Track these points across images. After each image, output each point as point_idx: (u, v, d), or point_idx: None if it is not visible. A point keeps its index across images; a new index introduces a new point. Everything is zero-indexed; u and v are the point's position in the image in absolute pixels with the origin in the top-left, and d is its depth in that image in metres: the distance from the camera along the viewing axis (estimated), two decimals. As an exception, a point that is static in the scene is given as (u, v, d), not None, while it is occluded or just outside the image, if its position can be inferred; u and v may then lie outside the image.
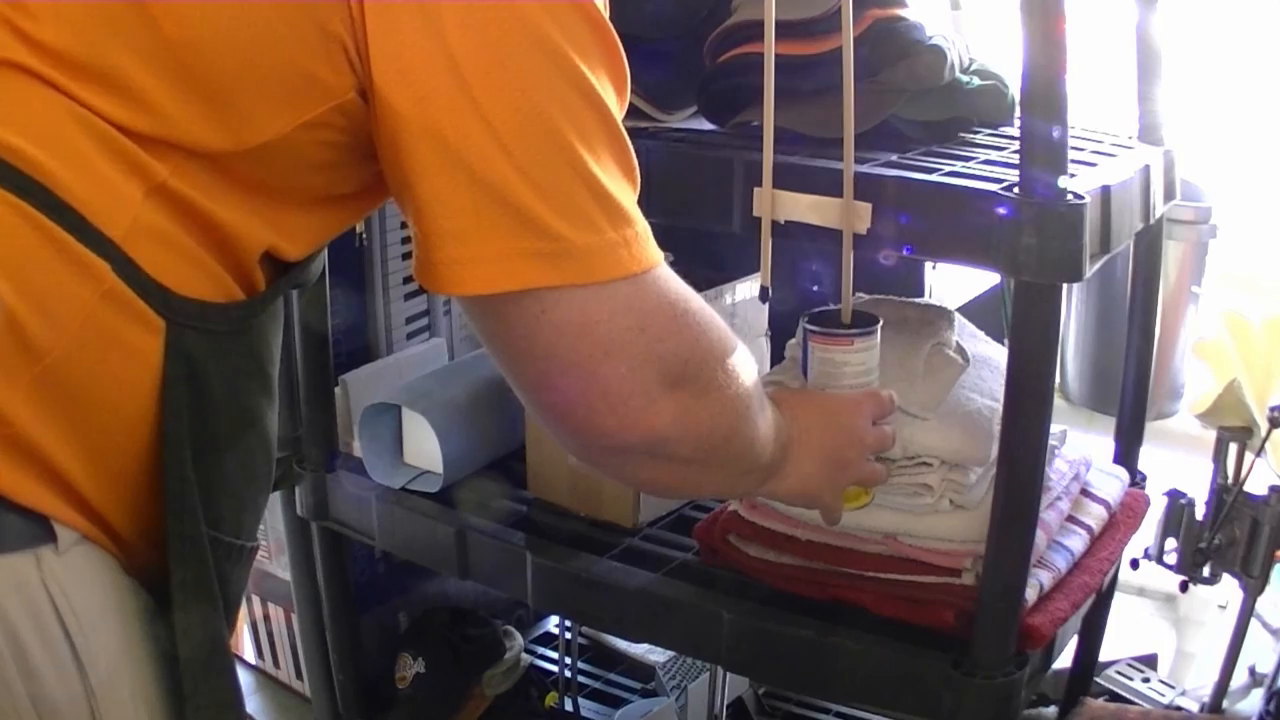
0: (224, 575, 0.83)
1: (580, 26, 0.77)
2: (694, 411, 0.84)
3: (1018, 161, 0.97)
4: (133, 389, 0.75)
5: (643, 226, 0.80)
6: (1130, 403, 1.43)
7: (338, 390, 1.51)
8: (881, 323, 1.09)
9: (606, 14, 0.80)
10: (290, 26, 0.74)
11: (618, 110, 0.80)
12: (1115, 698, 1.57)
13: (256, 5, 0.74)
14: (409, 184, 0.76)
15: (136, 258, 0.73)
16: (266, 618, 1.86)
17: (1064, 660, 1.40)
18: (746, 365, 0.91)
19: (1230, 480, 1.36)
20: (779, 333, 1.45)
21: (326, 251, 1.02)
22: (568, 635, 1.69)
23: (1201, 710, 1.51)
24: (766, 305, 1.39)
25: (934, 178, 1.03)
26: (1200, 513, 1.37)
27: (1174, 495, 1.39)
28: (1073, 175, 0.99)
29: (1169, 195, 1.28)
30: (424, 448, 1.43)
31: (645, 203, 1.16)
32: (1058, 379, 1.38)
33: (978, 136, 1.23)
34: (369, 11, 0.73)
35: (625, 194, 0.79)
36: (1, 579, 0.71)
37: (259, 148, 0.77)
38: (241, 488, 0.85)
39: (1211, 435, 1.39)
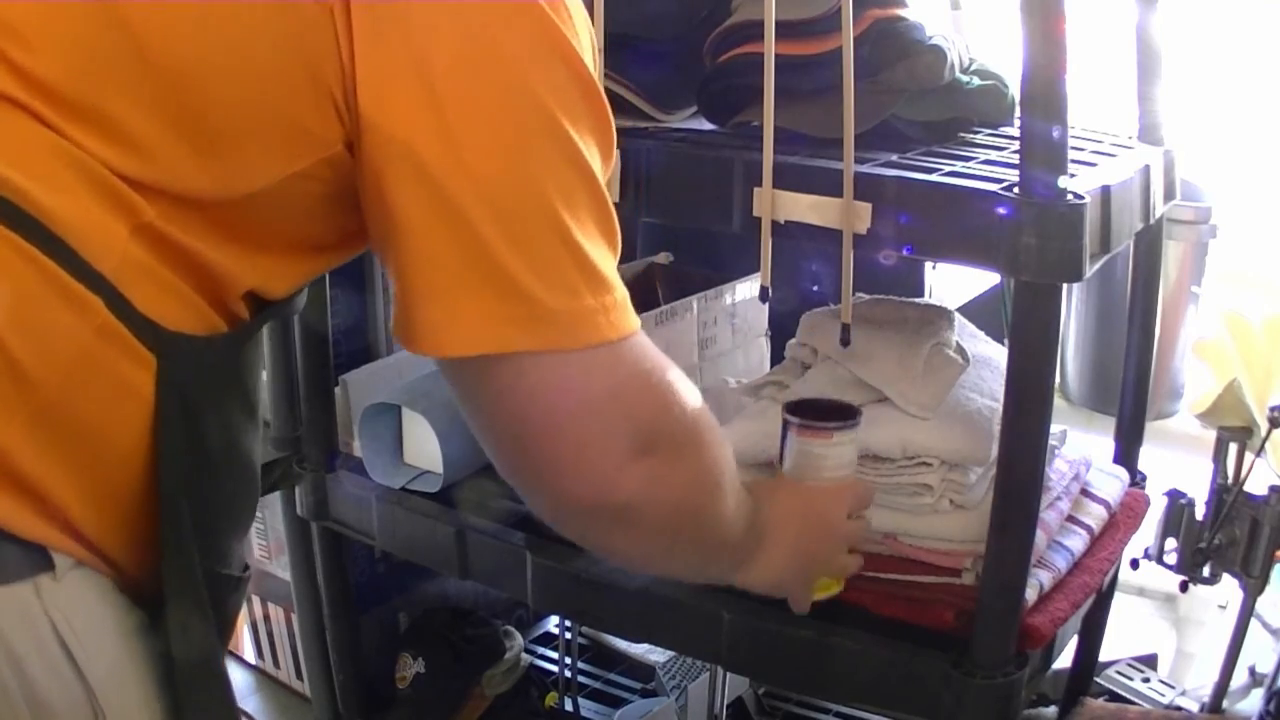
0: (220, 602, 0.83)
1: (571, 89, 0.77)
2: (664, 479, 0.85)
3: (1018, 161, 0.97)
4: (126, 423, 0.75)
5: (621, 294, 0.81)
6: (1130, 403, 1.43)
7: (338, 390, 1.51)
8: (863, 413, 1.09)
9: (598, 76, 0.81)
10: (282, 76, 0.74)
11: (602, 174, 0.80)
12: (1115, 698, 1.57)
13: (250, 55, 0.73)
14: (391, 239, 0.76)
15: (127, 293, 0.73)
16: (266, 618, 1.86)
17: (1064, 660, 1.40)
18: (720, 440, 0.91)
19: (1230, 480, 1.36)
20: (779, 333, 1.45)
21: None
22: (568, 635, 1.69)
23: (1201, 710, 1.51)
24: (766, 305, 1.39)
25: (934, 178, 1.03)
26: (1200, 513, 1.37)
27: (1174, 495, 1.39)
28: (1073, 175, 0.99)
29: (1169, 195, 1.28)
30: (424, 448, 1.43)
31: (645, 203, 1.17)
32: (1058, 379, 1.38)
33: (978, 136, 1.23)
34: (359, 63, 0.74)
35: (606, 260, 0.80)
36: (4, 610, 0.71)
37: (245, 197, 0.77)
38: (233, 518, 0.86)
39: (1211, 435, 1.39)
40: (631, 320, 0.81)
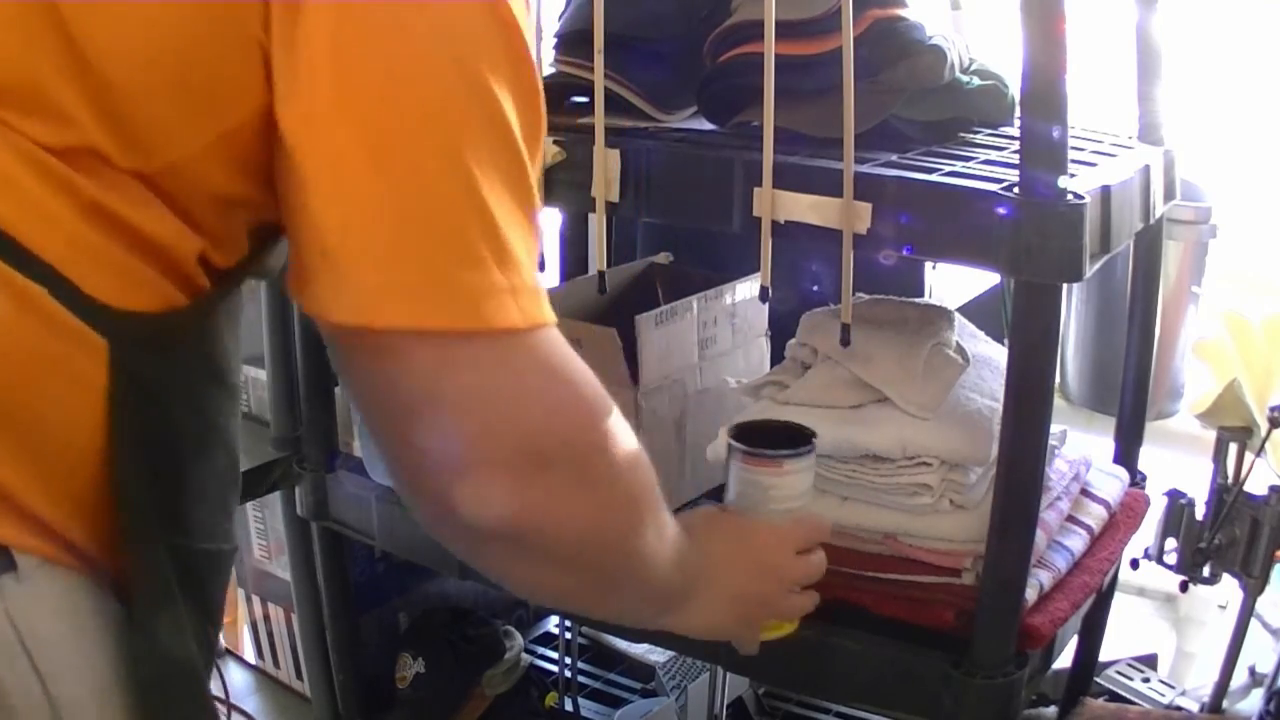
0: (204, 582, 0.81)
1: (494, 34, 0.70)
2: (568, 502, 0.75)
3: (1018, 161, 0.98)
4: (84, 413, 0.72)
5: (533, 278, 0.71)
6: (1130, 403, 1.43)
7: (338, 390, 1.51)
8: (818, 438, 1.01)
9: (527, 18, 0.74)
10: (212, 39, 0.70)
11: (519, 131, 0.72)
12: (1115, 698, 1.57)
13: (179, 31, 0.70)
14: (288, 194, 0.72)
15: (74, 277, 0.70)
16: (266, 618, 1.86)
17: (1064, 660, 1.40)
18: (641, 466, 0.80)
19: (1230, 480, 1.36)
20: (779, 333, 1.45)
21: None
22: (568, 635, 1.69)
23: (1201, 710, 1.51)
24: (766, 305, 1.39)
25: (934, 178, 1.03)
26: (1200, 513, 1.37)
27: (1174, 495, 1.39)
28: (1073, 175, 0.99)
29: (1169, 195, 1.29)
30: (424, 448, 1.43)
31: (645, 203, 1.17)
32: (1058, 379, 1.38)
33: (978, 136, 1.23)
34: (274, 13, 0.69)
35: (520, 240, 0.71)
36: None
37: (170, 165, 0.73)
38: (212, 494, 0.82)
39: (1211, 435, 1.39)
40: (543, 311, 0.72)
